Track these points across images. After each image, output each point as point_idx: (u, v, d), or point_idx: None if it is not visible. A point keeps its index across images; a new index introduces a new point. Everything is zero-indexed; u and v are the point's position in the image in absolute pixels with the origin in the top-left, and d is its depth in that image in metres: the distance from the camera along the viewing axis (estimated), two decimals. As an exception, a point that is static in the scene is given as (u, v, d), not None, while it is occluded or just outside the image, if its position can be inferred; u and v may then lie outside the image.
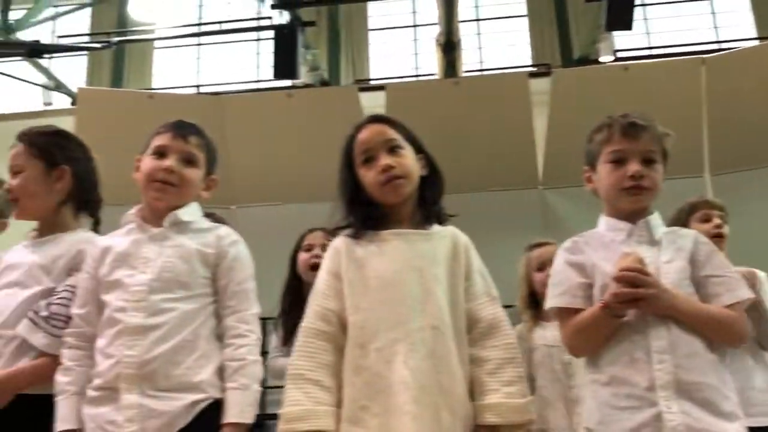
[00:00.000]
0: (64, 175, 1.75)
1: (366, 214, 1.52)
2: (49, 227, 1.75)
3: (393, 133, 1.54)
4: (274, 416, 1.52)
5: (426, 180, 1.56)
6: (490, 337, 1.44)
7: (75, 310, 1.60)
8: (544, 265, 2.42)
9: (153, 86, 9.18)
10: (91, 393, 1.53)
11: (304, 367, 1.40)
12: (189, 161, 1.69)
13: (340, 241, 1.53)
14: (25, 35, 7.37)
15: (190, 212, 1.69)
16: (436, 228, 1.53)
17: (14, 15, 7.28)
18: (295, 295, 2.39)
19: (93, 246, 1.66)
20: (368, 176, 1.51)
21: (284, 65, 6.55)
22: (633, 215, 1.60)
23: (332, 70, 8.89)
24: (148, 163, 1.67)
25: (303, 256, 2.43)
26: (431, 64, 8.52)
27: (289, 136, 5.43)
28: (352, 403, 1.37)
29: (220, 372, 1.56)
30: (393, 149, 1.52)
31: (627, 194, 1.58)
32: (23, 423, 1.57)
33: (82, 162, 1.80)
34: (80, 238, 1.72)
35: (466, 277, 1.48)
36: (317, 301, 1.48)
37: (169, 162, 1.66)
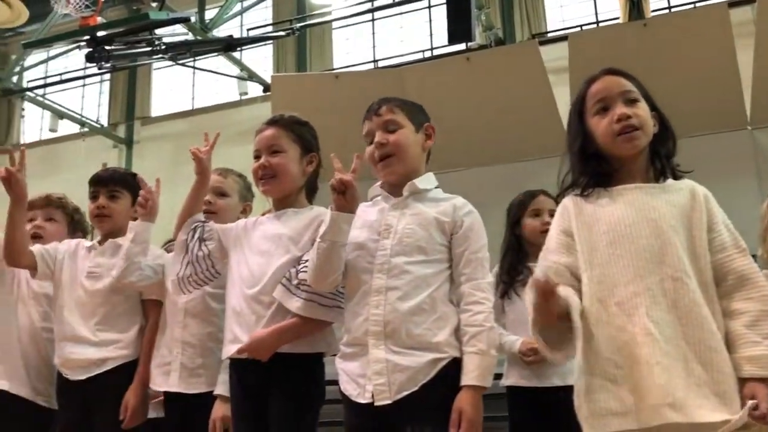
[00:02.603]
0: (313, 161, 1.95)
1: (596, 169, 1.48)
2: (290, 204, 1.94)
3: (630, 86, 1.51)
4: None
5: (657, 137, 1.50)
6: (743, 288, 1.37)
7: None
8: None
9: (334, 66, 9.54)
10: (343, 349, 1.69)
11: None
12: (275, 151, 1.90)
13: (569, 200, 1.52)
14: (218, 32, 7.95)
15: (425, 181, 1.78)
16: (670, 181, 1.47)
17: (208, 14, 7.87)
18: (514, 257, 2.47)
19: None
20: (601, 126, 1.48)
21: (459, 29, 6.49)
22: None
23: (507, 28, 8.66)
24: (253, 165, 1.91)
25: (532, 222, 2.48)
26: (612, 8, 8.01)
27: (471, 100, 5.39)
28: (596, 356, 1.36)
29: (456, 333, 1.63)
30: (630, 101, 1.48)
31: None
32: (283, 378, 1.76)
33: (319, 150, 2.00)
34: (320, 212, 1.88)
35: (709, 229, 1.41)
36: (550, 258, 1.49)
37: (262, 159, 1.89)
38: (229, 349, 1.82)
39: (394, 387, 1.57)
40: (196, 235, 1.96)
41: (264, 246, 1.87)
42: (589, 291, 1.40)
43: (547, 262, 1.48)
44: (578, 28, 8.12)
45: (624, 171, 1.48)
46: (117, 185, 2.33)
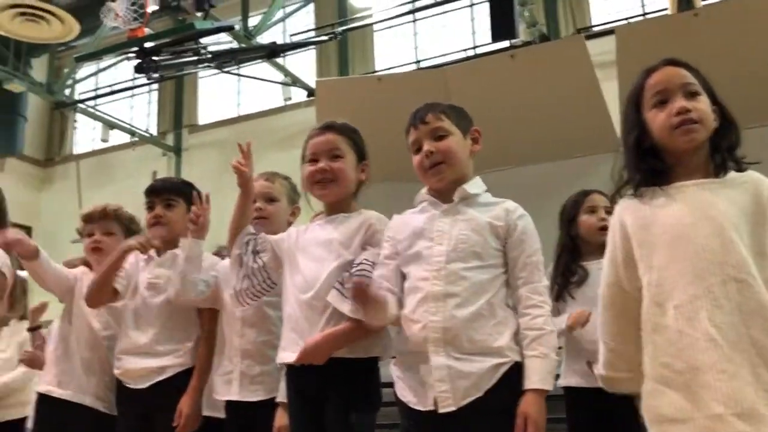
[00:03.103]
0: (365, 169, 1.98)
1: (651, 166, 1.43)
2: (342, 209, 1.96)
3: (691, 78, 1.45)
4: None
5: (718, 131, 1.43)
6: None
7: (376, 273, 1.77)
8: None
9: (376, 68, 9.55)
10: (400, 356, 1.69)
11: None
12: (335, 156, 1.91)
13: (624, 203, 1.47)
14: (262, 39, 8.04)
15: (474, 186, 1.78)
16: (732, 174, 1.40)
17: (252, 22, 7.96)
18: (569, 257, 2.47)
19: (394, 220, 1.84)
20: (658, 119, 1.42)
21: (502, 26, 6.43)
22: None
23: (551, 23, 8.54)
24: (304, 169, 1.94)
25: (588, 219, 2.47)
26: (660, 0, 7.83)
27: (516, 98, 5.32)
28: (653, 361, 1.32)
29: (516, 337, 1.63)
30: (691, 94, 1.42)
31: None
32: (339, 383, 1.77)
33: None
34: (369, 216, 1.91)
35: None
36: (608, 268, 1.46)
37: (322, 164, 1.90)
38: (283, 356, 1.84)
39: (458, 393, 1.56)
40: (250, 248, 1.98)
41: (316, 252, 1.88)
42: (648, 294, 1.35)
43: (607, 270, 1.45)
44: (624, 21, 7.94)
45: (681, 167, 1.42)
46: (172, 194, 2.38)
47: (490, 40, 6.76)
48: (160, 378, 2.22)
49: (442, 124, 1.77)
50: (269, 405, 2.01)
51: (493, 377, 1.58)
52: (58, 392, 2.39)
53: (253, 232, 2.02)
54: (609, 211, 2.44)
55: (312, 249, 1.89)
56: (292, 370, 1.84)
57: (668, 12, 6.75)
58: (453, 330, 1.59)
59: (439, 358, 1.58)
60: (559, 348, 2.32)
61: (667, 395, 1.28)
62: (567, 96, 5.12)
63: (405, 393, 1.65)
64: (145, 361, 2.24)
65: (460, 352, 1.58)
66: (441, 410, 1.56)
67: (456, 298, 1.62)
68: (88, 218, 2.56)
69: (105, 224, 2.55)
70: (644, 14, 8.28)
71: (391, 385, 1.75)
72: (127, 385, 2.26)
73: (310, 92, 8.75)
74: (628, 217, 1.43)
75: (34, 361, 2.98)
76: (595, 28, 8.30)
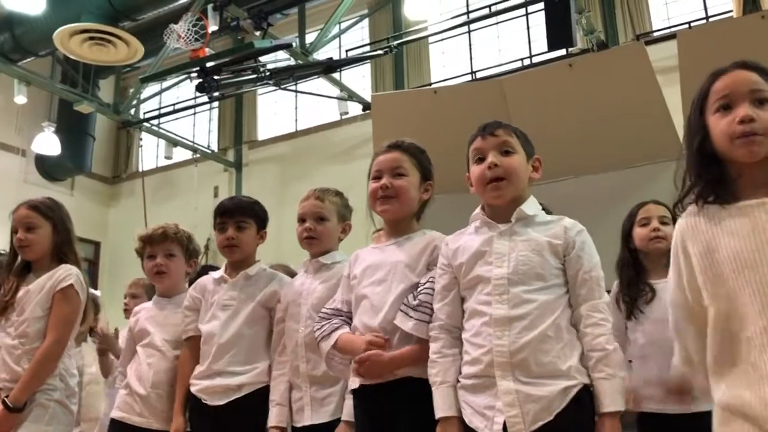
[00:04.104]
0: (429, 189, 1.98)
1: (714, 175, 1.34)
2: (403, 228, 1.97)
3: (762, 84, 1.35)
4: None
5: None
6: None
7: (436, 305, 1.75)
8: None
9: (432, 81, 9.55)
10: (466, 381, 1.65)
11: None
12: (398, 174, 1.92)
13: (685, 222, 1.40)
14: (318, 55, 8.15)
15: (531, 206, 1.75)
16: None
17: (309, 38, 8.09)
18: (632, 272, 2.44)
19: (446, 246, 1.81)
20: (719, 126, 1.34)
21: (558, 34, 6.33)
22: None
23: (609, 30, 8.39)
24: (371, 185, 1.95)
25: (641, 231, 2.44)
26: (724, 1, 7.60)
27: (575, 107, 5.24)
28: (725, 392, 1.27)
29: (582, 360, 1.60)
30: (759, 101, 1.33)
31: None
32: (410, 405, 1.76)
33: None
34: (433, 238, 1.91)
35: None
36: (676, 290, 1.41)
37: (384, 180, 1.90)
38: (354, 382, 1.84)
39: (528, 418, 1.53)
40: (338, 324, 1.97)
41: (381, 275, 1.88)
42: (716, 325, 1.29)
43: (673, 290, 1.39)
44: (686, 26, 7.74)
45: (745, 180, 1.32)
46: (244, 215, 2.42)
47: (546, 48, 6.68)
48: (237, 396, 2.26)
49: (510, 140, 1.75)
50: (336, 423, 2.03)
51: (564, 400, 1.54)
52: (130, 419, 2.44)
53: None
54: (664, 221, 2.38)
55: (376, 273, 1.89)
56: (360, 393, 1.84)
57: (733, 15, 6.55)
58: (520, 354, 1.56)
59: (507, 382, 1.56)
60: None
61: (739, 425, 1.23)
62: (628, 103, 5.01)
63: (473, 419, 1.61)
64: (224, 381, 2.27)
65: (528, 376, 1.55)
66: None
67: (521, 321, 1.59)
68: (148, 240, 2.63)
69: (166, 246, 2.62)
70: (707, 17, 8.05)
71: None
72: (205, 402, 2.29)
73: (366, 106, 8.82)
74: (689, 242, 1.36)
75: (106, 339, 3.06)
76: (655, 34, 8.11)
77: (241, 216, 2.41)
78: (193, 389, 2.33)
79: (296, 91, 9.60)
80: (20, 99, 8.89)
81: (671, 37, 5.95)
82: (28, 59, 9.27)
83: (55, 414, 2.33)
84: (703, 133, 1.37)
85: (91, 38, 7.52)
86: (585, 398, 1.56)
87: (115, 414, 2.48)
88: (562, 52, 7.16)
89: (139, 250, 2.68)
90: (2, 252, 2.90)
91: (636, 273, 2.39)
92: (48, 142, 9.59)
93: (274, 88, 8.33)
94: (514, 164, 1.72)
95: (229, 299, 2.36)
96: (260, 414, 2.21)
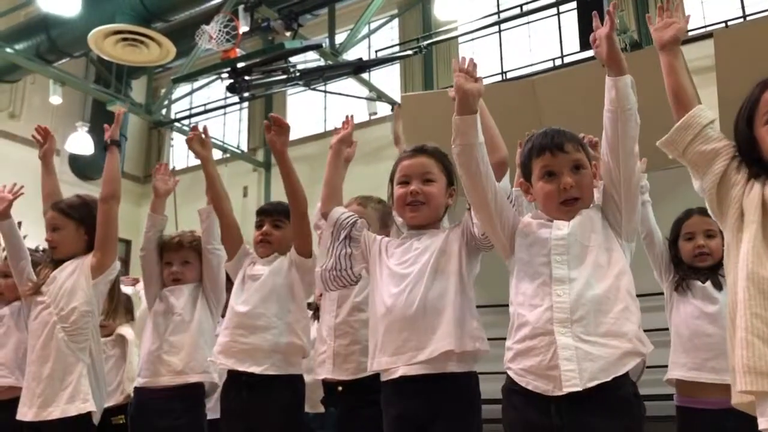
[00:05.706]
0: (453, 194, 2.01)
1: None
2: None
3: None
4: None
5: None
6: None
7: None
8: None
9: (461, 80, 9.48)
10: (519, 346, 1.63)
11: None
12: (428, 180, 1.93)
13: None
14: (347, 55, 8.16)
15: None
16: None
17: (338, 38, 8.10)
18: (678, 263, 2.44)
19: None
20: None
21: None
22: None
23: (642, 30, 8.26)
24: (395, 190, 1.99)
25: (685, 245, 2.43)
26: (760, 0, 7.43)
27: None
28: None
29: (641, 330, 1.60)
30: None
31: None
32: (444, 401, 1.80)
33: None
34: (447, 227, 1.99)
35: None
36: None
37: (413, 186, 1.92)
38: (382, 362, 1.84)
39: (585, 374, 1.51)
40: (343, 235, 2.00)
41: (411, 256, 1.92)
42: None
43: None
44: (722, 24, 7.59)
45: None
46: (281, 215, 2.58)
47: (578, 48, 6.60)
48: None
49: (580, 156, 1.75)
50: (364, 382, 2.07)
51: (623, 366, 1.54)
52: None
53: (345, 218, 2.04)
54: (710, 234, 2.32)
55: (406, 255, 1.91)
56: (389, 385, 1.83)
57: (771, 13, 6.41)
58: (580, 310, 1.56)
59: (566, 338, 1.55)
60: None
61: None
62: (661, 104, 4.92)
63: (538, 383, 1.57)
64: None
65: (588, 334, 1.55)
66: (565, 389, 1.51)
67: (581, 280, 1.60)
68: (166, 247, 2.70)
69: (182, 254, 2.72)
70: (744, 17, 7.89)
71: (492, 401, 1.72)
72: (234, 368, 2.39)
73: (394, 107, 8.80)
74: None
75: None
76: (691, 33, 7.97)
77: (278, 216, 2.57)
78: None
79: (325, 92, 9.61)
80: (55, 99, 9.05)
81: (707, 36, 5.84)
82: (63, 60, 9.44)
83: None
84: (750, 145, 1.37)
85: (124, 39, 7.62)
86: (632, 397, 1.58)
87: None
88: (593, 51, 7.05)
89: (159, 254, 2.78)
90: (40, 250, 2.96)
91: (682, 268, 2.40)
92: (82, 142, 9.72)
93: (303, 88, 8.36)
94: (586, 183, 1.75)
95: (257, 272, 2.49)
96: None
